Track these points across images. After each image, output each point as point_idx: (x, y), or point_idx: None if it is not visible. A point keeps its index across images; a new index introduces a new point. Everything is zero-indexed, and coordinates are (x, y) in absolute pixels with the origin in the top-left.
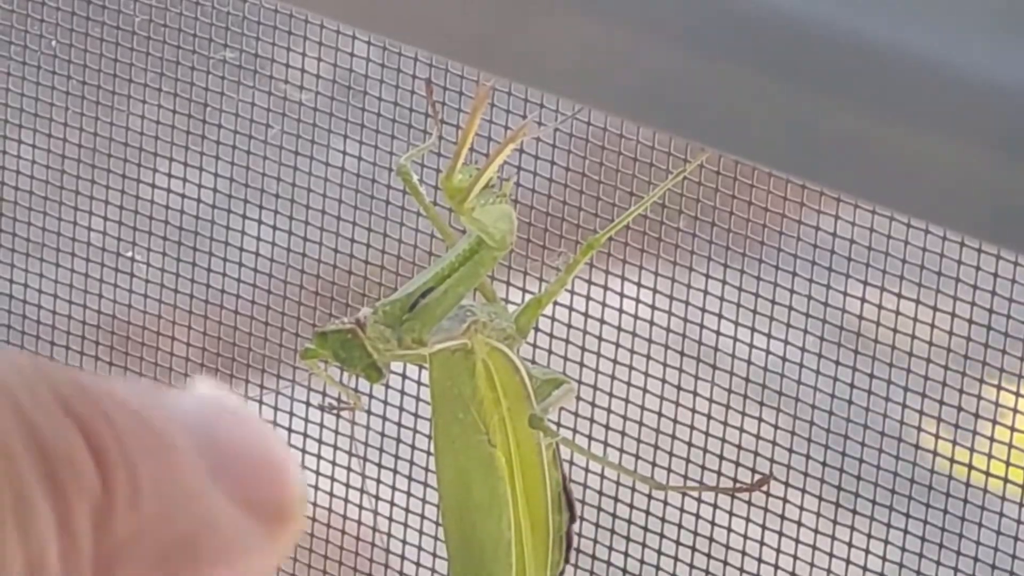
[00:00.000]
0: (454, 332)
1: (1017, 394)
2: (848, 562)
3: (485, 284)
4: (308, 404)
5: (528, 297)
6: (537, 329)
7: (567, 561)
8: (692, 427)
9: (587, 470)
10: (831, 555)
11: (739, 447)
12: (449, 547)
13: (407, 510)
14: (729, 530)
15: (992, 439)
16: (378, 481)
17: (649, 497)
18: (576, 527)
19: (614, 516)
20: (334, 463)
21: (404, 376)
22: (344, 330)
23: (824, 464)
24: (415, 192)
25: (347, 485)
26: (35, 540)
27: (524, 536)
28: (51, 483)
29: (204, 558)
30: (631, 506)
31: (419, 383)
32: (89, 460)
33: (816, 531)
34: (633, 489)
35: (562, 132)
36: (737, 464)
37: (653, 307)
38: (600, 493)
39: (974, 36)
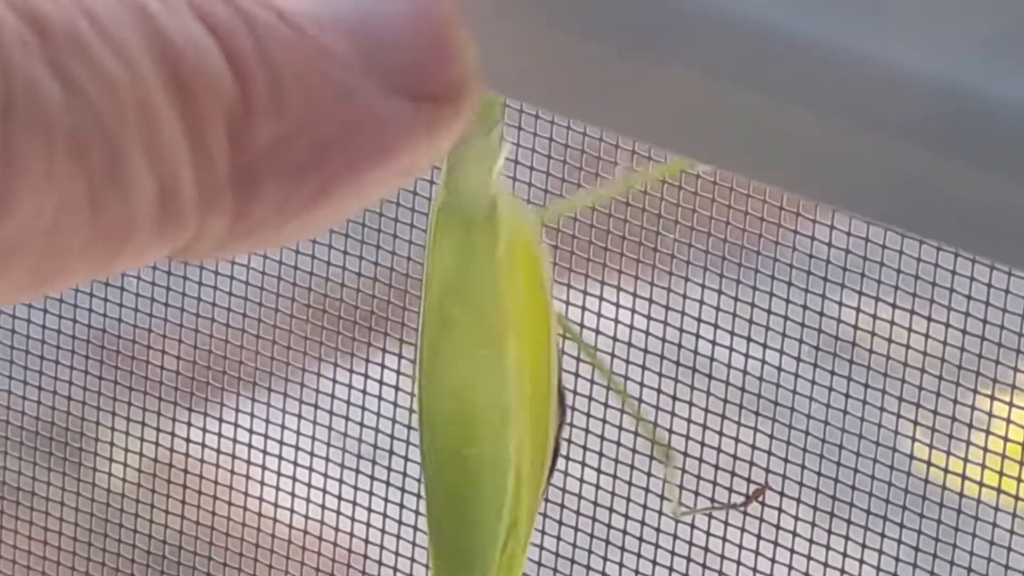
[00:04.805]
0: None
1: (1010, 404)
2: (842, 572)
3: None
4: (299, 418)
5: None
6: None
7: (552, 473)
8: (686, 437)
9: (581, 480)
10: (825, 565)
11: (733, 457)
12: (430, 471)
13: (400, 521)
14: (724, 540)
15: (985, 449)
16: (370, 493)
17: (644, 507)
18: (564, 433)
19: (609, 527)
20: (326, 475)
21: (396, 388)
22: None
23: (818, 474)
24: None
25: (339, 497)
26: (165, 160)
27: (523, 449)
28: (180, 96)
29: (360, 157)
30: (626, 516)
31: (408, 394)
32: (224, 66)
33: (810, 541)
34: (628, 499)
35: (557, 143)
36: (732, 475)
37: (648, 317)
38: (595, 504)
39: (965, 51)
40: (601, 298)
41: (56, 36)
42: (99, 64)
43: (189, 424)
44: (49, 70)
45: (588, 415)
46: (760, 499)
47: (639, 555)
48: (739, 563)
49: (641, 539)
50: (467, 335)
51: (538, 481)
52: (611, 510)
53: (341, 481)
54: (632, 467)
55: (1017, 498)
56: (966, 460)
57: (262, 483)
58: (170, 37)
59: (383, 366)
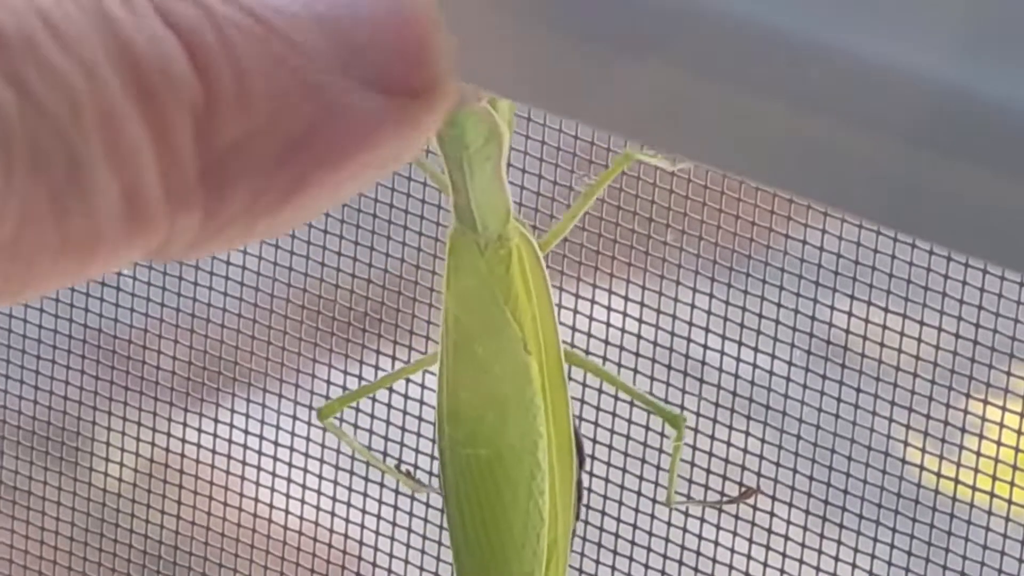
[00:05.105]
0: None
1: (1004, 408)
2: None
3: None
4: (294, 418)
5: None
6: None
7: (577, 518)
8: None
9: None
10: (818, 569)
11: (726, 461)
12: (456, 500)
13: (393, 523)
14: (716, 544)
15: (979, 454)
16: (364, 494)
17: (636, 511)
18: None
19: (601, 530)
20: (320, 477)
21: (390, 390)
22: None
23: (811, 478)
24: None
25: (334, 499)
26: (129, 165)
27: (554, 470)
28: (143, 98)
29: (331, 152)
30: (618, 520)
31: (405, 396)
32: (187, 64)
33: (803, 546)
34: (620, 503)
35: (550, 146)
36: (724, 478)
37: (640, 321)
38: (587, 507)
39: (960, 50)
40: (593, 301)
41: (9, 42)
42: (55, 70)
43: (184, 424)
44: (2, 77)
45: (580, 417)
46: (749, 501)
47: (631, 558)
48: (731, 567)
49: (633, 542)
50: (488, 353)
51: (569, 498)
52: (603, 512)
53: (335, 482)
54: (624, 470)
55: (1010, 503)
56: (959, 464)
57: (257, 483)
58: (131, 39)
59: (377, 367)
